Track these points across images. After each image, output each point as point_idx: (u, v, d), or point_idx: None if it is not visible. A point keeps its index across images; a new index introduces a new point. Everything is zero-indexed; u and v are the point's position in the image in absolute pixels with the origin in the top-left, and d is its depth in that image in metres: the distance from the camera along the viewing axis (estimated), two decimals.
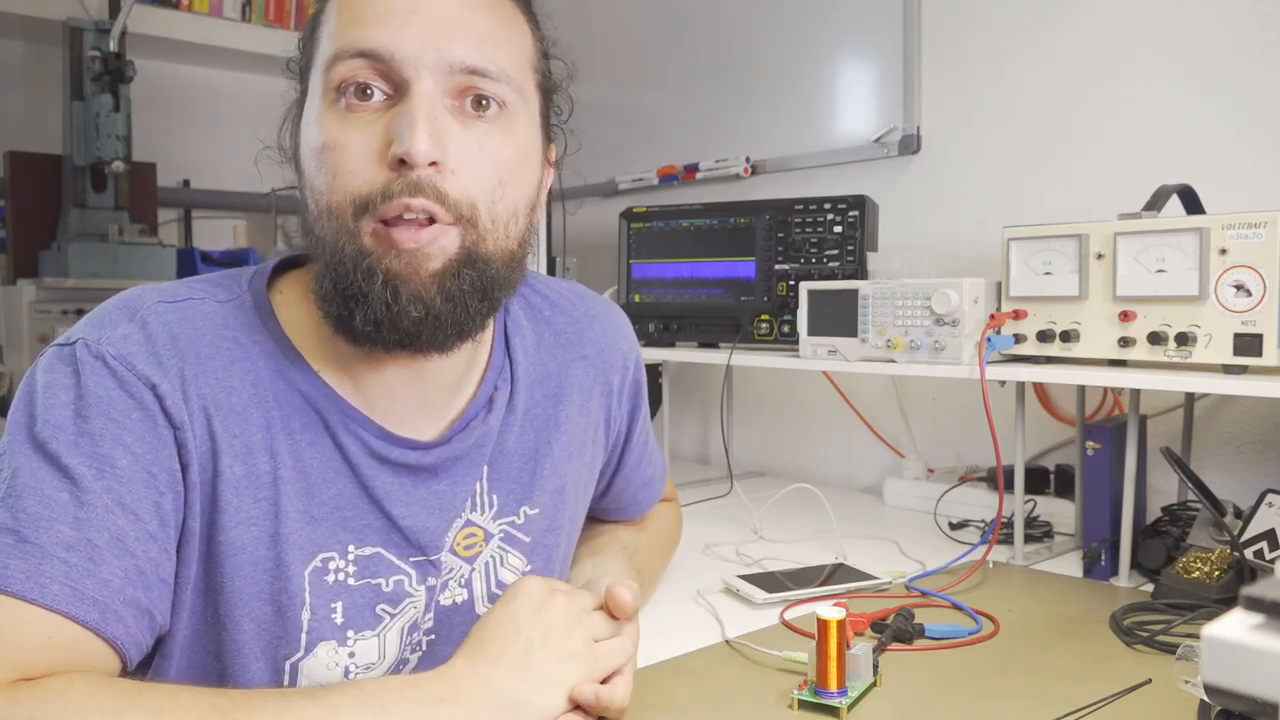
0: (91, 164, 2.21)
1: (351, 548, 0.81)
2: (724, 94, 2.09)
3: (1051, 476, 1.52)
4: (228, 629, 0.77)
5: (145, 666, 0.76)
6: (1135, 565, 1.19)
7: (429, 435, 0.84)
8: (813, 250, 1.59)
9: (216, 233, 2.74)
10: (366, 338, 0.75)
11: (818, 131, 1.92)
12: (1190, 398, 1.32)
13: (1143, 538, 1.21)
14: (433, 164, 0.71)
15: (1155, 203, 1.18)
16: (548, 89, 0.84)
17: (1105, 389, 1.49)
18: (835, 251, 1.57)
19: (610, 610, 0.80)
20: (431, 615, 0.86)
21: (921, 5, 1.74)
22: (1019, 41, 1.62)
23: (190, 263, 2.40)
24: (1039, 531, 1.38)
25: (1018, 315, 1.24)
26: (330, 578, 0.80)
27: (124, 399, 0.71)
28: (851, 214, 1.56)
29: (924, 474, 1.68)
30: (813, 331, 1.45)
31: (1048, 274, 1.21)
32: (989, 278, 1.31)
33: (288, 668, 0.79)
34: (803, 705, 0.81)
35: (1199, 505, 1.19)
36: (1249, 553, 1.08)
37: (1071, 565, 1.26)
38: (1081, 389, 1.35)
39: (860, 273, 1.54)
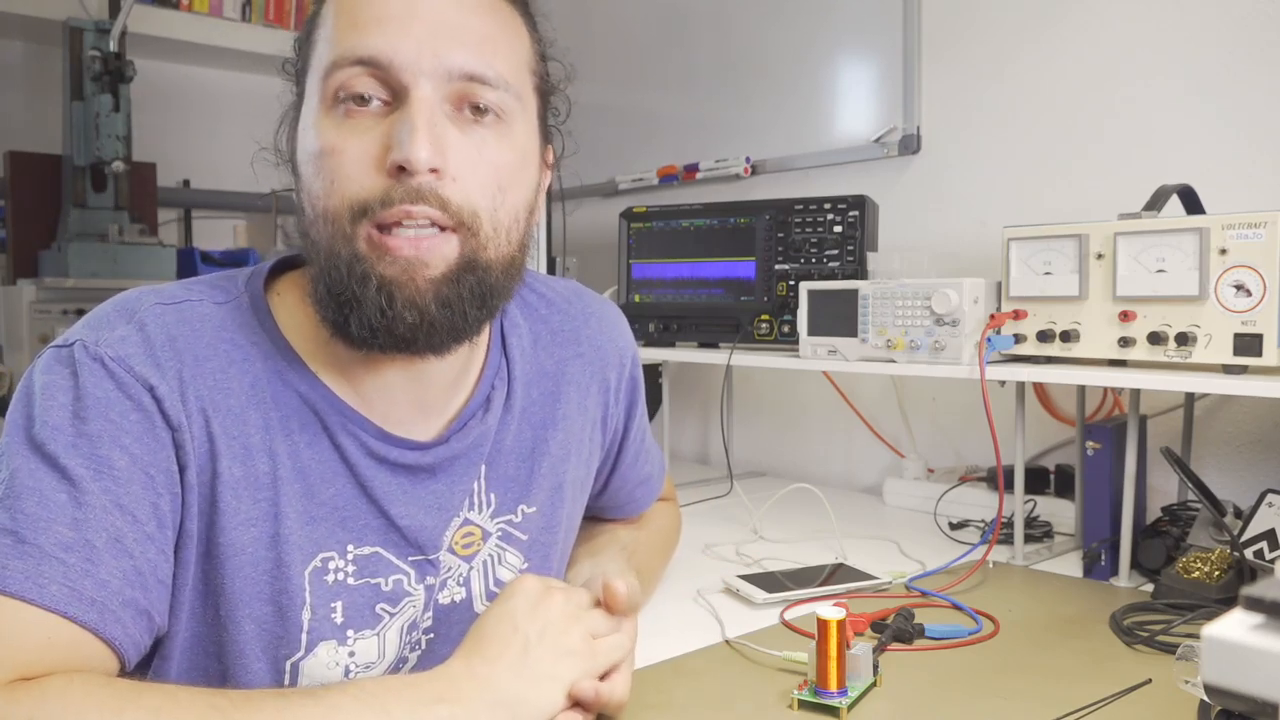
0: (91, 164, 2.21)
1: (351, 547, 0.81)
2: (724, 94, 2.09)
3: (1051, 476, 1.52)
4: (228, 630, 0.77)
5: (144, 669, 0.76)
6: (1135, 565, 1.19)
7: (427, 435, 0.84)
8: (813, 250, 1.59)
9: (216, 233, 2.74)
10: (362, 342, 0.75)
11: (818, 131, 1.92)
12: (1190, 398, 1.32)
13: (1143, 538, 1.21)
14: (433, 171, 0.71)
15: (1155, 203, 1.18)
16: (545, 91, 0.84)
17: (1105, 389, 1.49)
18: (835, 251, 1.57)
19: (606, 604, 0.80)
20: (430, 614, 0.86)
21: (921, 5, 1.74)
22: (1019, 41, 1.62)
23: (190, 263, 2.40)
24: (1039, 531, 1.38)
25: (1018, 315, 1.24)
26: (330, 577, 0.80)
27: (122, 400, 0.71)
28: (851, 214, 1.56)
29: (924, 474, 1.68)
30: (813, 331, 1.45)
31: (1048, 274, 1.21)
32: (989, 278, 1.31)
33: (288, 667, 0.79)
34: (803, 705, 0.81)
35: (1199, 505, 1.19)
36: (1249, 553, 1.08)
37: (1071, 565, 1.26)
38: (1081, 389, 1.35)
39: (860, 273, 1.54)
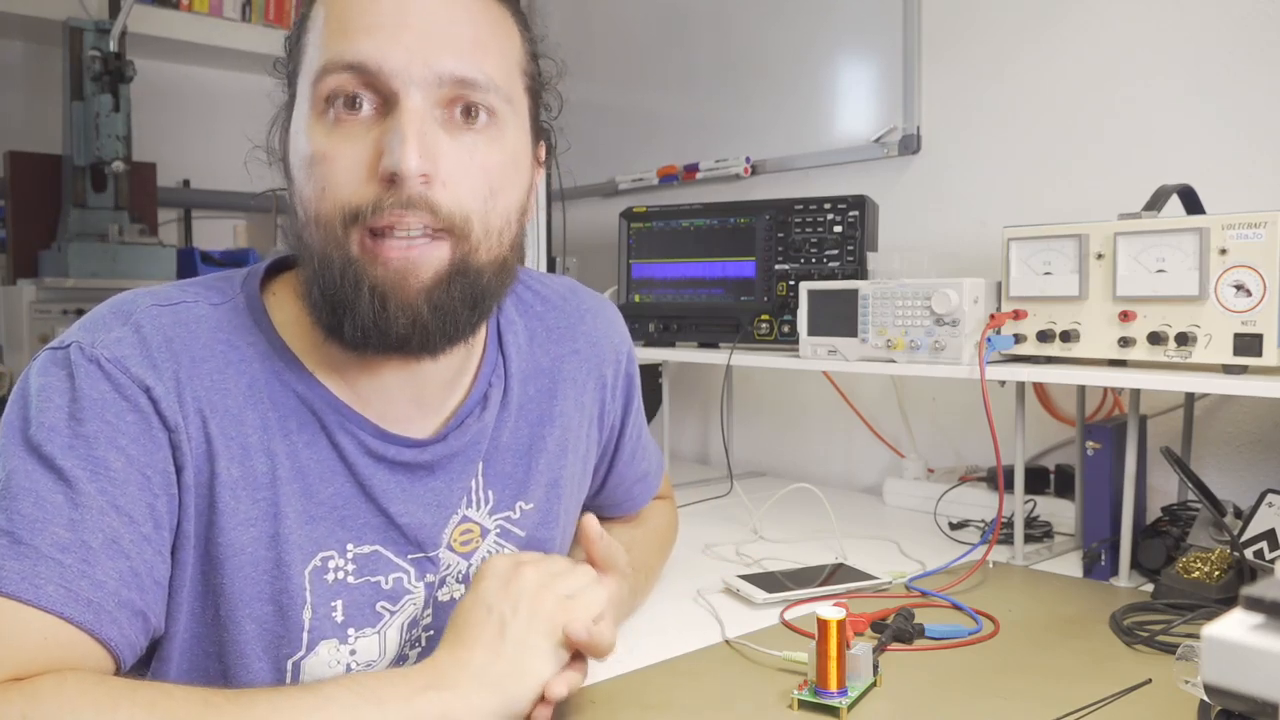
0: (91, 164, 2.21)
1: (350, 546, 0.81)
2: (724, 94, 2.09)
3: (1051, 476, 1.52)
4: (229, 630, 0.77)
5: (142, 671, 0.76)
6: (1135, 565, 1.19)
7: (424, 433, 0.85)
8: (813, 250, 1.59)
9: (216, 233, 2.74)
10: (356, 344, 0.76)
11: (818, 131, 1.92)
12: (1190, 398, 1.32)
13: (1143, 538, 1.21)
14: (423, 177, 0.72)
15: (1155, 203, 1.18)
16: (536, 89, 0.84)
17: (1105, 389, 1.49)
18: (835, 251, 1.57)
19: (587, 549, 0.82)
20: (430, 611, 0.86)
21: (921, 5, 1.74)
22: (1019, 41, 1.62)
23: (190, 263, 2.40)
24: (1039, 531, 1.38)
25: (1018, 315, 1.24)
26: (330, 576, 0.80)
27: (118, 401, 0.71)
28: (851, 214, 1.56)
29: (924, 474, 1.68)
30: (813, 331, 1.45)
31: (1048, 274, 1.21)
32: (989, 278, 1.31)
33: (290, 666, 0.80)
34: (803, 705, 0.81)
35: (1199, 505, 1.19)
36: (1249, 553, 1.08)
37: (1071, 565, 1.26)
38: (1081, 389, 1.35)
39: (860, 273, 1.54)
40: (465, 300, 0.76)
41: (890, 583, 1.16)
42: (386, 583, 0.83)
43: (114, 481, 0.70)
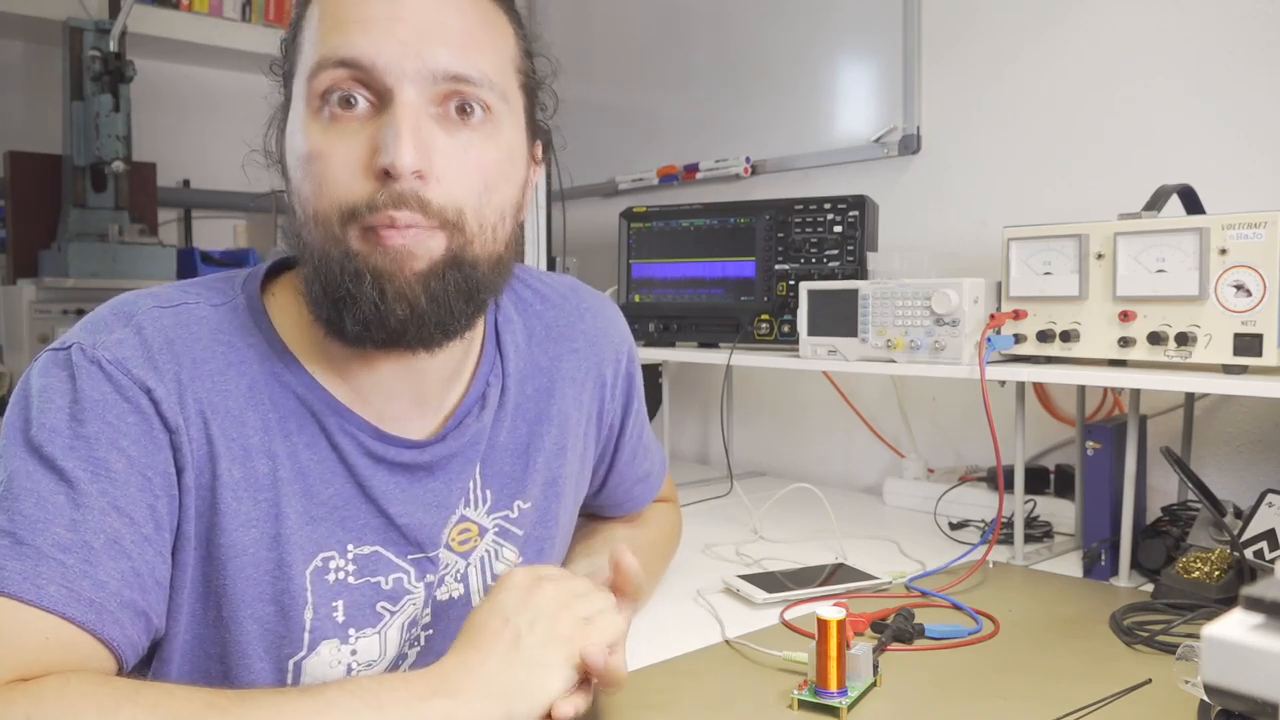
0: (91, 164, 2.21)
1: (351, 547, 0.81)
2: (724, 94, 2.09)
3: (1051, 476, 1.52)
4: (231, 630, 0.77)
5: (143, 672, 0.76)
6: (1135, 565, 1.19)
7: (423, 432, 0.85)
8: (813, 250, 1.59)
9: (216, 233, 2.74)
10: (357, 338, 0.76)
11: (818, 131, 1.92)
12: (1190, 398, 1.32)
13: (1143, 538, 1.21)
14: (417, 174, 0.72)
15: (1155, 203, 1.18)
16: (531, 87, 0.84)
17: (1105, 389, 1.49)
18: (835, 251, 1.57)
19: (615, 574, 0.81)
20: (429, 610, 0.87)
21: (921, 5, 1.74)
22: (1019, 41, 1.62)
23: (190, 263, 2.40)
24: (1039, 531, 1.38)
25: (1018, 315, 1.24)
26: (331, 577, 0.80)
27: (119, 403, 0.71)
28: (851, 214, 1.56)
29: (924, 474, 1.68)
30: (813, 331, 1.45)
31: (1048, 274, 1.21)
32: (989, 278, 1.31)
33: (291, 666, 0.80)
34: (803, 705, 0.81)
35: (1199, 505, 1.19)
36: (1249, 553, 1.08)
37: (1071, 565, 1.26)
38: (1081, 389, 1.35)
39: (860, 273, 1.54)
40: (459, 292, 0.76)
41: (890, 583, 1.16)
42: (387, 583, 0.83)
43: (115, 482, 0.70)
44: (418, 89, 0.73)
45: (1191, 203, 1.23)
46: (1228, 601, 1.03)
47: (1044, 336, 1.21)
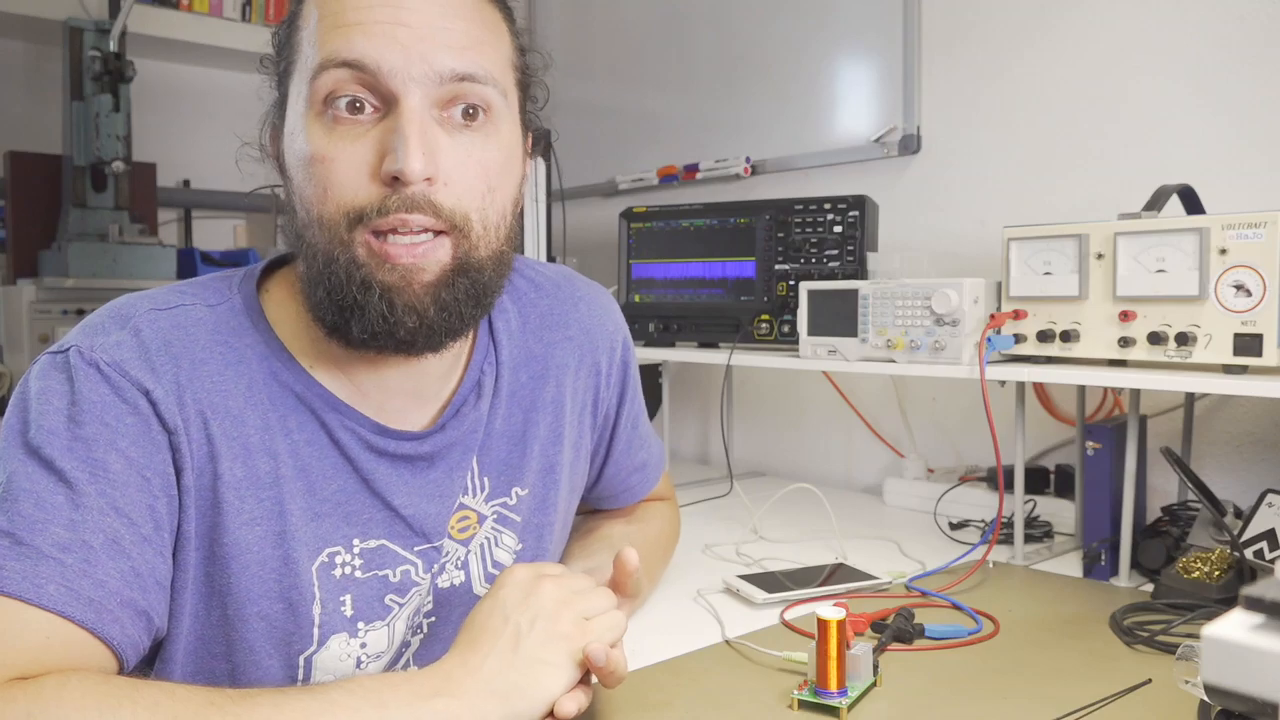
0: (91, 164, 2.20)
1: (356, 541, 0.82)
2: (724, 94, 2.09)
3: (1051, 476, 1.52)
4: (237, 628, 0.78)
5: (146, 673, 0.77)
6: (1135, 565, 1.19)
7: (420, 423, 0.86)
8: (813, 250, 1.59)
9: (216, 233, 2.74)
10: (362, 344, 0.77)
11: (818, 131, 1.92)
12: (1190, 398, 1.32)
13: (1143, 538, 1.21)
14: (426, 179, 0.73)
15: (1155, 203, 1.18)
16: (525, 82, 0.85)
17: (1105, 389, 1.49)
18: (835, 251, 1.57)
19: (617, 571, 0.81)
20: (431, 598, 0.87)
21: (921, 5, 1.74)
22: (1019, 41, 1.62)
23: (190, 263, 2.40)
24: (1039, 531, 1.38)
25: (1018, 315, 1.24)
26: (337, 572, 0.81)
27: (117, 404, 0.72)
28: (851, 214, 1.56)
29: (924, 474, 1.68)
30: (813, 331, 1.45)
31: (1048, 274, 1.21)
32: (989, 278, 1.31)
33: (301, 662, 0.80)
34: (803, 705, 0.81)
35: (1199, 505, 1.19)
36: (1249, 553, 1.08)
37: (1071, 565, 1.26)
38: (1081, 389, 1.35)
39: (860, 273, 1.54)
40: (469, 297, 0.77)
41: (890, 583, 1.16)
42: (394, 575, 0.84)
43: (113, 483, 0.70)
44: (423, 92, 0.73)
45: (1191, 203, 1.23)
46: (1228, 601, 1.03)
47: (1044, 336, 1.21)
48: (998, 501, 1.28)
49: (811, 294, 1.45)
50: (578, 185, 2.26)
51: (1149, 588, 1.15)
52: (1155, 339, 1.12)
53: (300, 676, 0.80)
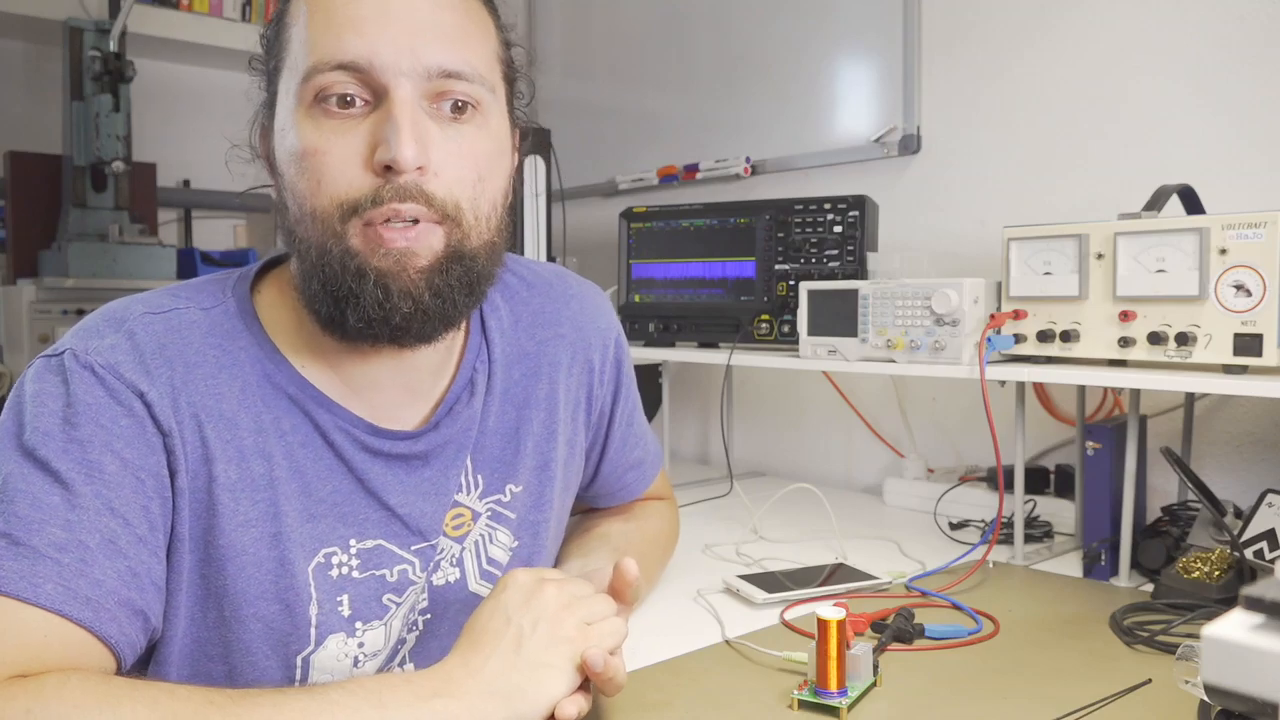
0: (91, 164, 2.20)
1: (353, 542, 0.82)
2: (724, 94, 2.09)
3: (1051, 476, 1.52)
4: (234, 629, 0.78)
5: (141, 676, 0.77)
6: (1135, 565, 1.19)
7: (414, 421, 0.86)
8: (813, 250, 1.59)
9: (216, 233, 2.74)
10: (358, 334, 0.77)
11: (818, 131, 1.92)
12: (1190, 398, 1.32)
13: (1143, 538, 1.21)
14: (418, 168, 0.73)
15: (1155, 203, 1.18)
16: (511, 77, 0.86)
17: (1105, 389, 1.49)
18: (835, 251, 1.57)
19: (615, 580, 0.81)
20: (426, 596, 0.87)
21: (921, 5, 1.74)
22: (1019, 41, 1.62)
23: (190, 263, 2.40)
24: (1039, 531, 1.38)
25: (1018, 315, 1.24)
26: (334, 572, 0.81)
27: (112, 406, 0.72)
28: (851, 214, 1.56)
29: (924, 474, 1.68)
30: (813, 331, 1.45)
31: (1048, 274, 1.21)
32: (989, 278, 1.31)
33: (299, 662, 0.80)
34: (803, 705, 0.81)
35: (1199, 505, 1.19)
36: (1249, 553, 1.08)
37: (1071, 565, 1.26)
38: (1081, 389, 1.35)
39: (860, 273, 1.54)
40: (462, 285, 0.78)
41: (890, 583, 1.16)
42: (391, 575, 0.84)
43: (109, 484, 0.70)
44: (412, 85, 0.74)
45: (1191, 203, 1.23)
46: (1228, 601, 1.02)
47: (1044, 336, 1.21)
48: (998, 501, 1.28)
49: (811, 294, 1.45)
50: (578, 185, 2.26)
51: (1149, 588, 1.15)
52: (1155, 339, 1.11)
53: (298, 676, 0.81)
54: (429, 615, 0.88)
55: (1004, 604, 1.08)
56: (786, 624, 1.03)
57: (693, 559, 1.30)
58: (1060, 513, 1.43)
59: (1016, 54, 1.63)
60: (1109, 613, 1.03)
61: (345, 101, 0.74)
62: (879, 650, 0.91)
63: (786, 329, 1.60)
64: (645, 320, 1.76)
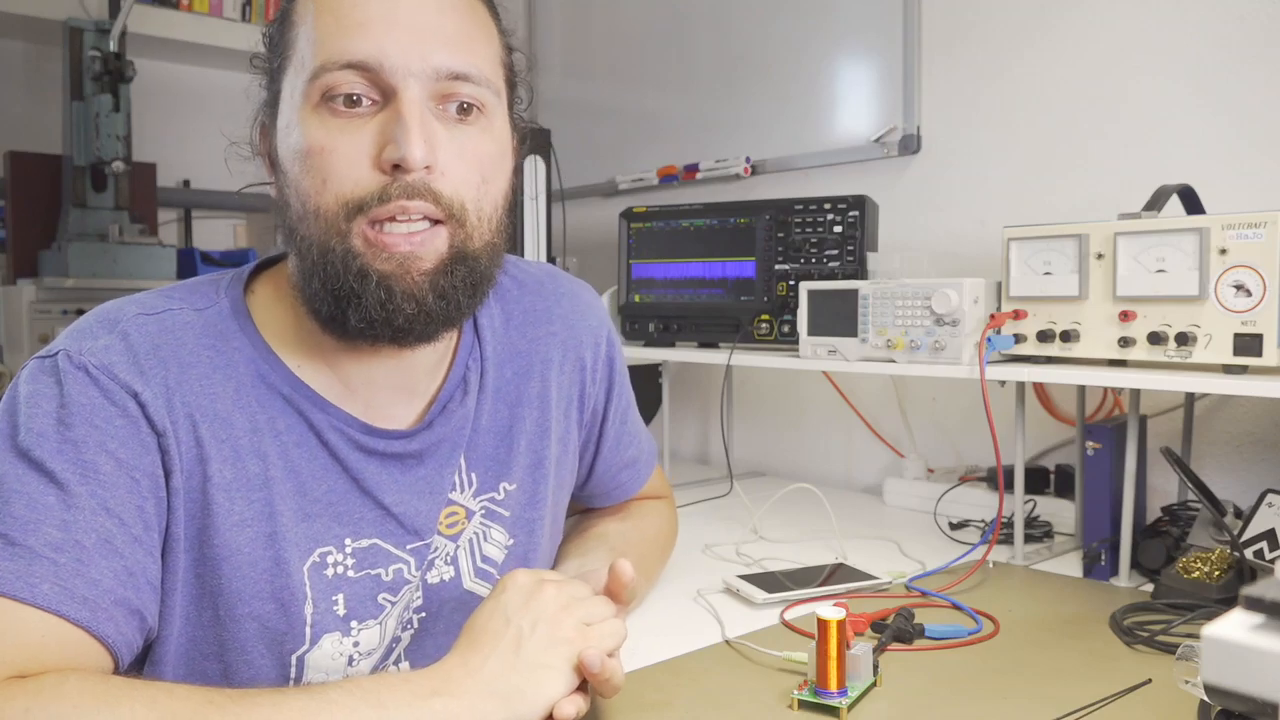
0: (91, 164, 2.21)
1: (349, 541, 0.82)
2: (724, 94, 2.09)
3: (1051, 476, 1.52)
4: (229, 628, 0.78)
5: (136, 675, 0.77)
6: (1135, 565, 1.19)
7: (408, 420, 0.86)
8: (813, 250, 1.59)
9: (216, 233, 2.74)
10: (359, 333, 0.77)
11: (818, 131, 1.92)
12: (1190, 398, 1.32)
13: (1143, 538, 1.21)
14: (425, 167, 0.74)
15: (1155, 203, 1.18)
16: (512, 81, 0.86)
17: (1105, 389, 1.49)
18: (835, 251, 1.57)
19: (611, 580, 0.81)
20: (421, 594, 0.88)
21: (921, 5, 1.74)
22: (1019, 41, 1.62)
23: (190, 263, 2.40)
24: (1039, 531, 1.38)
25: (1018, 315, 1.24)
26: (329, 571, 0.81)
27: (106, 406, 0.72)
28: (851, 214, 1.56)
29: (924, 474, 1.68)
30: (813, 331, 1.45)
31: (1048, 274, 1.21)
32: (989, 278, 1.31)
33: (294, 661, 0.81)
34: (803, 705, 0.81)
35: (1199, 505, 1.19)
36: (1249, 553, 1.08)
37: (1071, 565, 1.26)
38: (1081, 389, 1.35)
39: (860, 273, 1.54)
40: (465, 286, 0.78)
41: (890, 583, 1.16)
42: (387, 574, 0.84)
43: (104, 484, 0.71)
44: (421, 85, 0.74)
45: (1191, 203, 1.23)
46: (1228, 601, 1.02)
47: (1044, 336, 1.21)
48: (998, 501, 1.28)
49: (811, 294, 1.45)
50: (578, 185, 2.26)
51: (1149, 588, 1.15)
52: (1155, 339, 1.11)
53: (293, 675, 0.81)
54: (424, 614, 0.88)
55: (1004, 604, 1.08)
56: (786, 624, 1.03)
57: (693, 559, 1.30)
58: (1060, 513, 1.43)
59: (1016, 54, 1.63)
60: (1109, 613, 1.03)
61: (352, 101, 0.74)
62: (879, 650, 0.91)
63: (786, 329, 1.60)
64: (645, 320, 1.76)
